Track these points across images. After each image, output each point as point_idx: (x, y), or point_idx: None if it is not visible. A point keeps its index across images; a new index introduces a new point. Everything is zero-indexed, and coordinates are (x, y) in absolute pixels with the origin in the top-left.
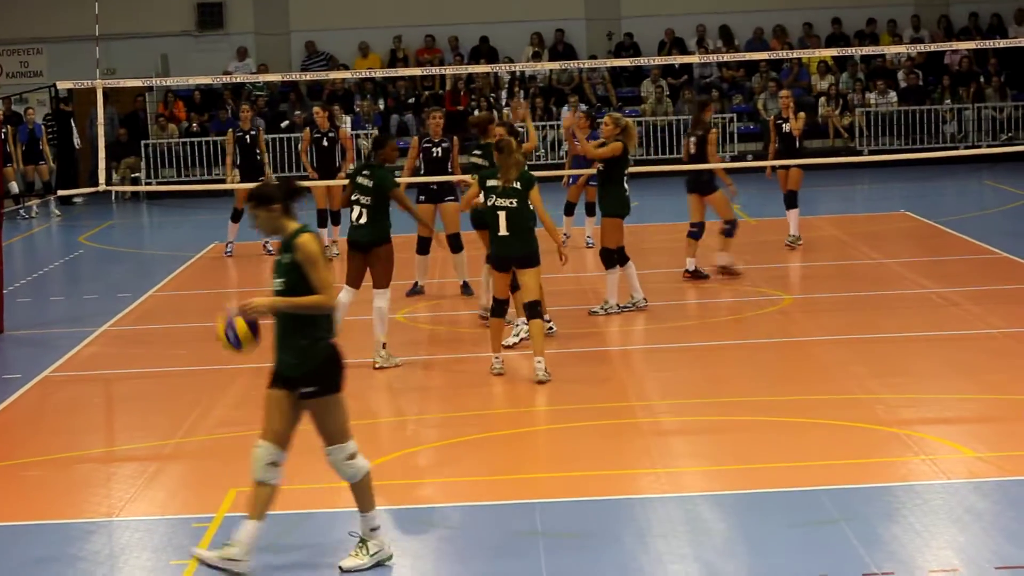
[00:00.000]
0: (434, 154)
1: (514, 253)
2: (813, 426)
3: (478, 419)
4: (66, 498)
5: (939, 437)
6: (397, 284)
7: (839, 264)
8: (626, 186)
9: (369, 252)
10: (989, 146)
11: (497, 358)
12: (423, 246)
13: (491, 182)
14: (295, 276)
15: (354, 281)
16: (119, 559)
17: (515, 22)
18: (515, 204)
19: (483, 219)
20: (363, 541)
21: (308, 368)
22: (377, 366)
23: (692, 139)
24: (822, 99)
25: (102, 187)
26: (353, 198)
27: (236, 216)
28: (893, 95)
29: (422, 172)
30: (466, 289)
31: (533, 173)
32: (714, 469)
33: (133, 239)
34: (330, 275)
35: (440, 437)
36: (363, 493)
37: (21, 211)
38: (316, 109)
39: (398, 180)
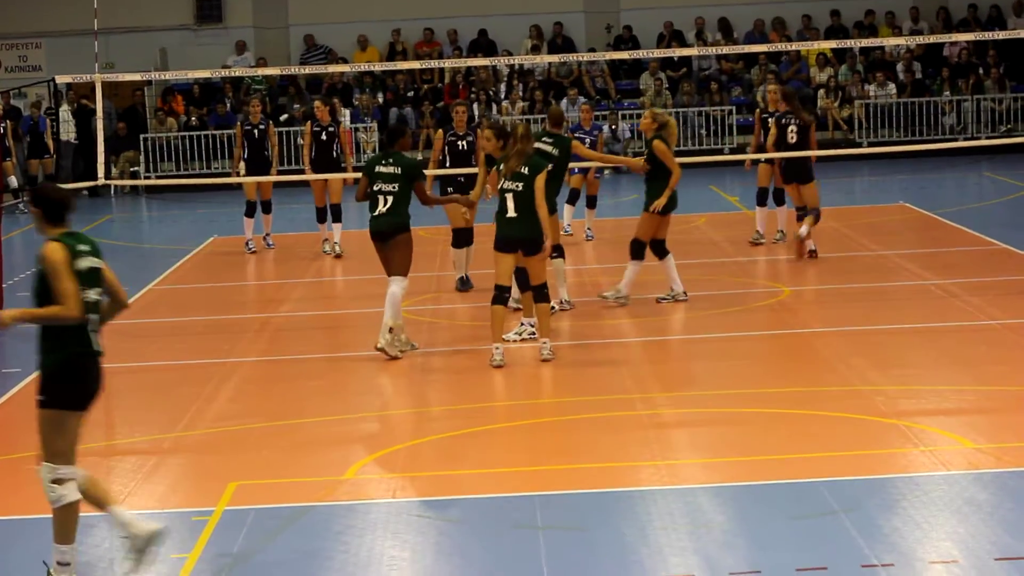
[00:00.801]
0: (459, 147)
1: (518, 235)
2: (813, 418)
3: (477, 412)
4: None
5: (939, 428)
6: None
7: (838, 256)
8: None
9: (389, 240)
10: (988, 138)
11: (498, 348)
12: (459, 239)
13: (503, 166)
14: (38, 285)
15: (386, 270)
16: (119, 553)
17: (514, 15)
18: (521, 188)
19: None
20: (48, 574)
21: (44, 376)
22: (378, 347)
23: (792, 128)
24: (821, 91)
25: (101, 181)
26: (376, 188)
27: (250, 211)
28: (892, 87)
29: (447, 165)
30: (464, 284)
31: (543, 161)
32: (714, 461)
33: (132, 233)
34: (72, 285)
35: (439, 430)
36: (61, 522)
37: (21, 205)
38: (317, 103)
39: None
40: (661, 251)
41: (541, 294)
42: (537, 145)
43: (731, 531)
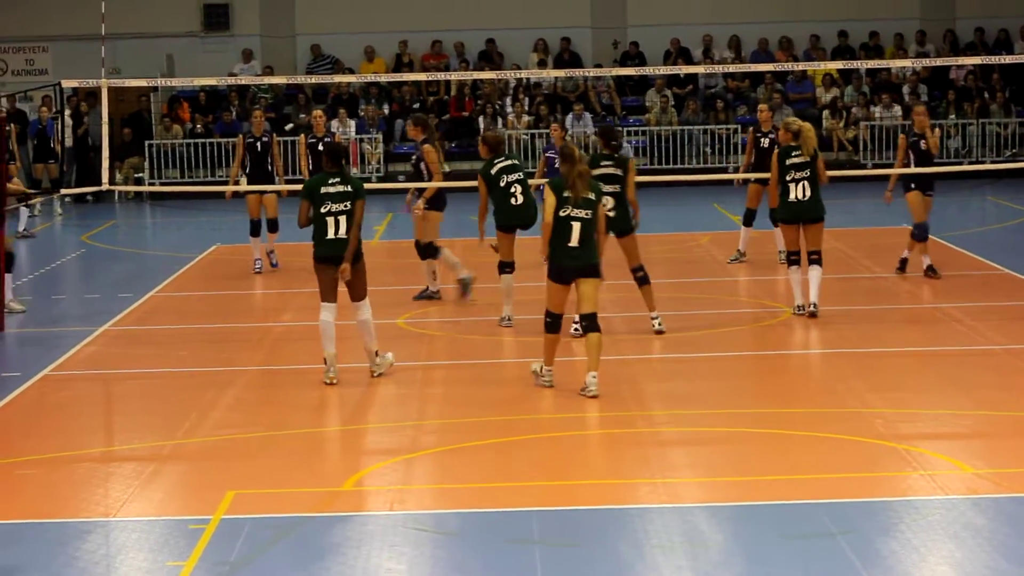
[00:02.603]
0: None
1: (581, 264)
2: (812, 439)
3: (476, 426)
4: (63, 497)
5: (938, 452)
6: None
7: (841, 277)
8: (799, 193)
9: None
10: (993, 162)
11: (549, 370)
12: (425, 251)
13: (567, 193)
14: None
15: (332, 295)
16: (116, 559)
17: (521, 29)
18: (589, 215)
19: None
20: None
21: None
22: (376, 374)
23: (923, 141)
24: (826, 112)
25: (105, 186)
26: (324, 210)
27: (254, 230)
28: (897, 109)
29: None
30: (431, 294)
31: (600, 183)
32: (712, 480)
33: (135, 239)
34: None
35: (437, 443)
36: None
37: (24, 208)
38: (317, 113)
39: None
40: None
41: (593, 323)
42: (601, 171)
43: (728, 551)
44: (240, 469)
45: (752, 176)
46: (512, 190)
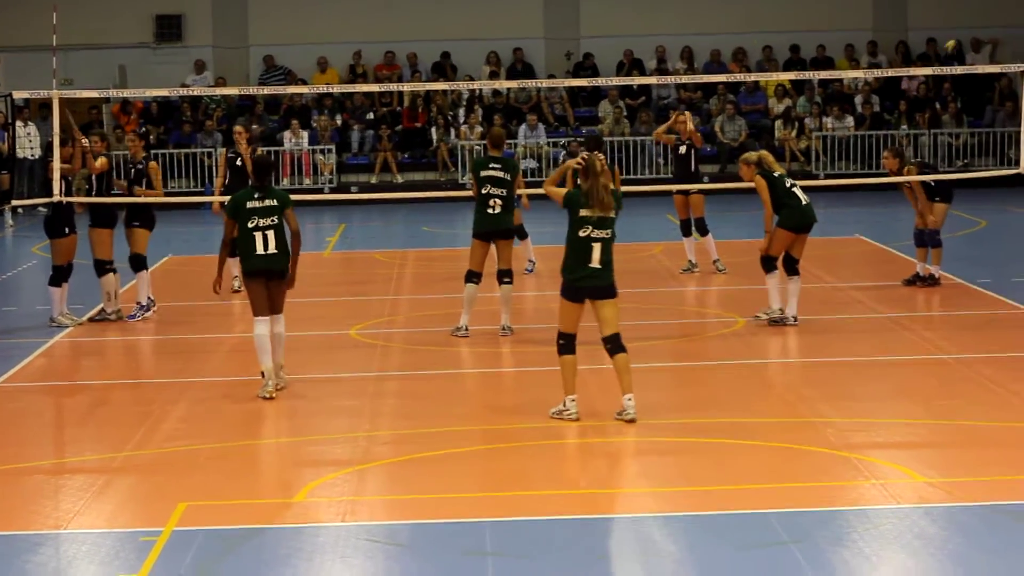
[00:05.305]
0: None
1: (601, 284)
2: (763, 448)
3: (429, 437)
4: (14, 510)
5: (889, 462)
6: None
7: None
8: (805, 197)
9: (276, 279)
10: (945, 172)
11: (573, 400)
12: (98, 269)
13: (586, 212)
14: None
15: (266, 309)
16: (66, 572)
17: (474, 40)
18: (610, 234)
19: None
20: None
21: None
22: (280, 387)
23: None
24: (779, 122)
25: (56, 198)
26: (251, 225)
27: (99, 270)
28: (850, 120)
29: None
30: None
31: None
32: (664, 490)
33: (87, 250)
34: None
35: (390, 454)
36: None
37: None
38: (238, 128)
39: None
40: (791, 268)
41: (618, 344)
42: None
43: (681, 560)
44: (191, 481)
45: (674, 188)
46: (491, 202)
